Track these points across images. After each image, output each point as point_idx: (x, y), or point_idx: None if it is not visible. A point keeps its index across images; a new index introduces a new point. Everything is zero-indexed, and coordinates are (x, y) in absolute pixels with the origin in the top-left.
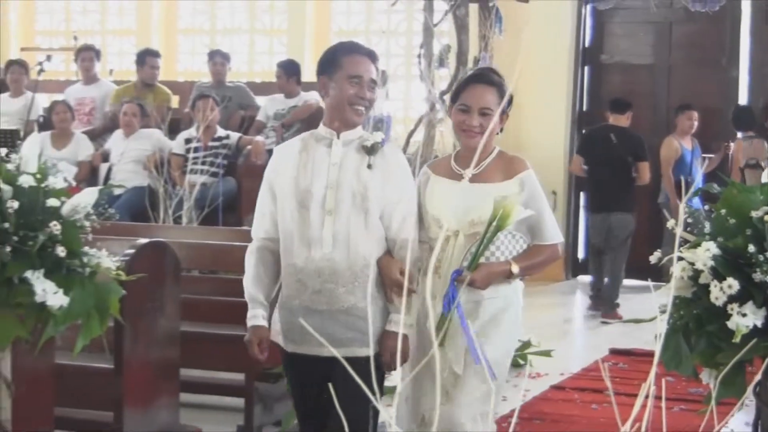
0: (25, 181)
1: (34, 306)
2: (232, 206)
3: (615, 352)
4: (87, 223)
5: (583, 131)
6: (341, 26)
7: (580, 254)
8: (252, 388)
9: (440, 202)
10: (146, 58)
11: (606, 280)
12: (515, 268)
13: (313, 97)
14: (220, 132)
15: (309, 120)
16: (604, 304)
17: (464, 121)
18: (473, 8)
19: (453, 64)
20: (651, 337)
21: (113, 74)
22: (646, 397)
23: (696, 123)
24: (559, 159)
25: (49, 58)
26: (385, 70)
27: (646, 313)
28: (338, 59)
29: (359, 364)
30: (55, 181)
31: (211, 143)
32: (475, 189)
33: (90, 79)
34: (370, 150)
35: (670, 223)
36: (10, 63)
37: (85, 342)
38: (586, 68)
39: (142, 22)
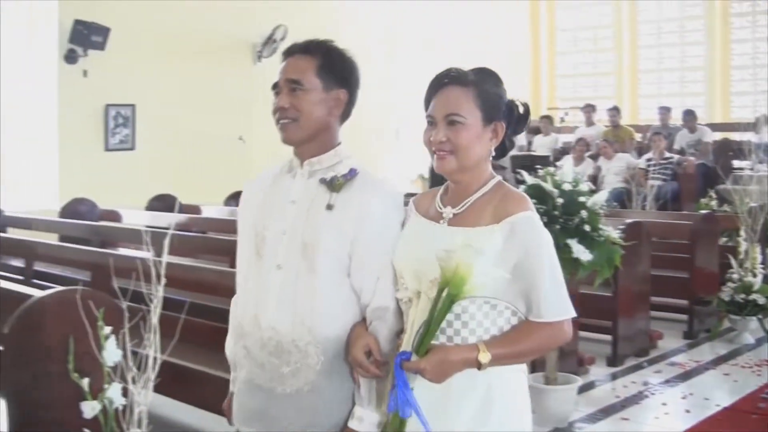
0: (566, 186)
1: (570, 260)
2: (676, 199)
3: None
4: (601, 211)
5: None
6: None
7: None
8: (693, 308)
9: (406, 251)
10: (610, 111)
11: None
12: (485, 357)
13: (708, 132)
14: (667, 154)
15: (704, 149)
16: None
17: (430, 139)
18: None
19: None
20: None
21: (600, 122)
22: None
23: None
24: None
25: (566, 113)
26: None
27: None
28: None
29: None
30: (583, 186)
31: (661, 161)
32: (448, 235)
33: (589, 123)
34: (330, 185)
35: None
36: (543, 117)
37: (600, 280)
38: None
39: (619, 93)
